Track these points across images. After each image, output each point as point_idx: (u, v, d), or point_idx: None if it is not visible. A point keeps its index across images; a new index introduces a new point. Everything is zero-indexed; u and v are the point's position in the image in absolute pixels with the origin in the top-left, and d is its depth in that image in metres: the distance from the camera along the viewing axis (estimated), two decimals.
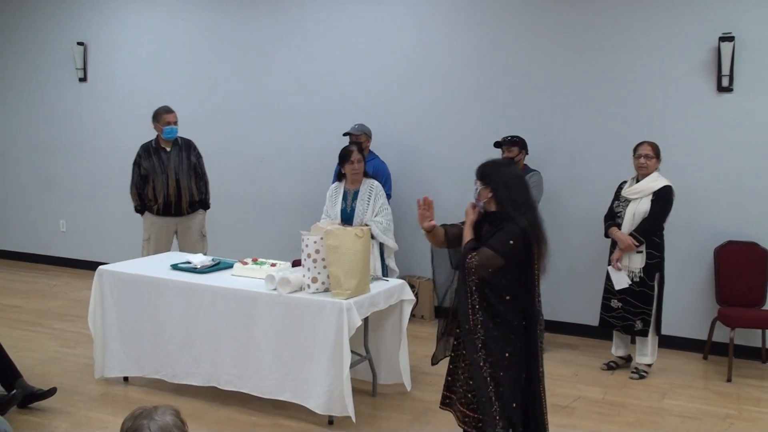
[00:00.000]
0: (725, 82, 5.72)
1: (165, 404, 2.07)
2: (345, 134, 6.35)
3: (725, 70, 5.68)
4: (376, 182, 5.68)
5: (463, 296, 3.45)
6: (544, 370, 3.49)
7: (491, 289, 3.38)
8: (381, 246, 5.67)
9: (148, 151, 6.21)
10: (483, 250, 3.35)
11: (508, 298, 3.40)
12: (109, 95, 8.33)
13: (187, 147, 6.27)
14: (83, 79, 8.41)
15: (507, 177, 3.47)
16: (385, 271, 5.65)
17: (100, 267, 5.14)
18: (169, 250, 6.14)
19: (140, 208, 6.29)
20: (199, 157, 6.35)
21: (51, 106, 8.67)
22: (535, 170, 5.86)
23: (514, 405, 3.39)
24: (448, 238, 3.67)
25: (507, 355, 3.39)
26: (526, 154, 5.91)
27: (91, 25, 8.31)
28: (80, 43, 8.32)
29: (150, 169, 6.15)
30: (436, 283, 3.86)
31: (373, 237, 5.49)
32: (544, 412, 3.48)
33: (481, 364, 3.38)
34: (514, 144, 5.88)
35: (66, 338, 6.06)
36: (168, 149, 6.19)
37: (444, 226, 3.73)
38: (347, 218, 5.54)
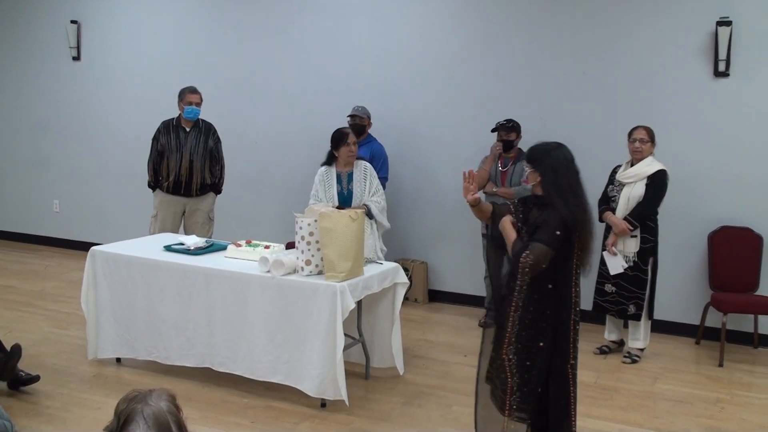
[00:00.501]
0: (722, 67, 5.70)
1: (161, 388, 1.95)
2: (349, 116, 6.33)
3: (722, 55, 5.66)
4: (367, 163, 5.67)
5: (508, 294, 3.39)
6: (576, 362, 3.42)
7: (535, 280, 3.32)
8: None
9: (168, 127, 6.21)
10: (536, 247, 3.26)
11: (550, 287, 3.34)
12: (103, 74, 8.26)
13: (207, 130, 6.27)
14: (77, 58, 8.34)
15: (555, 161, 3.35)
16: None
17: (93, 248, 5.11)
18: (176, 230, 6.14)
19: (153, 184, 6.28)
20: (217, 141, 6.34)
21: (44, 85, 8.59)
22: None
23: (540, 390, 3.38)
24: (495, 215, 3.62)
25: (541, 344, 3.35)
26: (521, 138, 5.90)
27: (85, 3, 8.22)
28: (74, 22, 8.23)
29: (166, 146, 6.14)
30: (489, 263, 3.79)
31: (371, 217, 5.50)
32: (570, 402, 3.41)
33: (511, 356, 3.36)
34: (513, 129, 5.88)
35: (59, 319, 6.04)
36: (187, 129, 6.19)
37: (492, 203, 3.73)
38: (345, 200, 5.52)
